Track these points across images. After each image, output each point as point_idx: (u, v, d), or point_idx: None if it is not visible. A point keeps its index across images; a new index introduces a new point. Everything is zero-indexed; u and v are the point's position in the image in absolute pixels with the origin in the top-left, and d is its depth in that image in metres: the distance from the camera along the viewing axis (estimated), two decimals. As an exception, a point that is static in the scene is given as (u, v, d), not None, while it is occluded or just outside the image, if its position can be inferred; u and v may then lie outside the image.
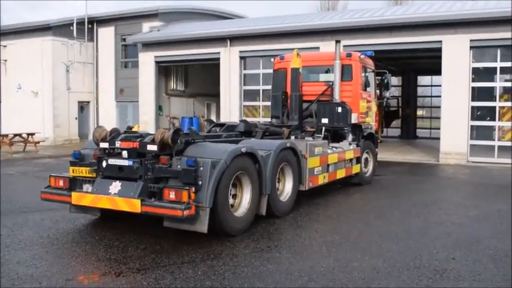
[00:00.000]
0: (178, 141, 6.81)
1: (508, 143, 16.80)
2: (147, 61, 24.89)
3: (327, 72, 12.55)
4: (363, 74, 12.32)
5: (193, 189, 6.29)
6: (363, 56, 12.31)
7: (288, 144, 8.56)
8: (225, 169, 6.67)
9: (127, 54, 27.88)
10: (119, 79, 27.63)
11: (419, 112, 34.46)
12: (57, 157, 19.29)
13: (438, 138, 18.54)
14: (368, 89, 12.60)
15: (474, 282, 5.33)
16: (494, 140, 17.40)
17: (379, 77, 14.23)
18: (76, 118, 27.67)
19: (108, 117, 27.22)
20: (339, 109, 11.24)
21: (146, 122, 24.90)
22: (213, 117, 27.78)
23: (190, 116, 27.03)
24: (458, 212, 8.99)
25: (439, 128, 18.96)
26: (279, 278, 5.37)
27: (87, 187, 7.23)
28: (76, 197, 7.00)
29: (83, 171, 7.24)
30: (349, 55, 12.06)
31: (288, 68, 12.13)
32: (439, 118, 19.32)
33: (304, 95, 11.93)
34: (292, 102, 11.76)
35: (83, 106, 28.14)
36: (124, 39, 26.62)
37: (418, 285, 5.20)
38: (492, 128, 17.61)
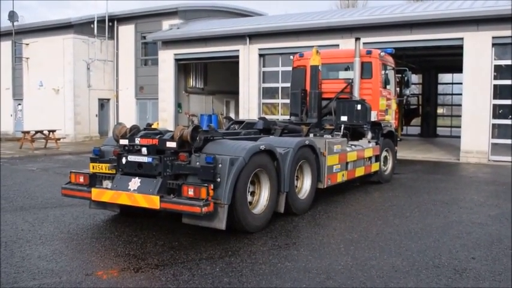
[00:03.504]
0: (197, 138, 6.84)
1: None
2: (166, 59, 25.03)
3: (346, 69, 12.48)
4: (383, 72, 12.23)
5: (211, 186, 6.30)
6: (383, 54, 12.19)
7: (307, 142, 8.54)
8: (243, 166, 6.67)
9: (147, 52, 28.11)
10: (139, 77, 27.88)
11: (440, 110, 34.09)
12: (78, 154, 19.53)
13: (459, 137, 18.35)
14: (388, 86, 12.51)
15: (494, 282, 5.25)
16: (516, 138, 17.13)
17: (399, 75, 14.10)
18: (96, 115, 28.01)
19: (127, 115, 27.51)
20: (359, 107, 11.19)
21: (165, 119, 25.04)
22: (232, 115, 27.83)
23: (209, 114, 27.13)
24: (479, 211, 8.87)
25: (459, 127, 18.73)
26: (296, 276, 5.36)
27: (106, 183, 7.30)
28: (96, 193, 7.06)
29: (102, 168, 7.31)
30: (369, 52, 11.97)
31: (307, 65, 12.09)
32: (459, 116, 19.08)
33: (323, 92, 11.88)
34: (311, 99, 11.72)
35: (103, 103, 28.45)
36: (144, 37, 26.83)
37: (437, 285, 5.15)
38: (514, 127, 17.34)
